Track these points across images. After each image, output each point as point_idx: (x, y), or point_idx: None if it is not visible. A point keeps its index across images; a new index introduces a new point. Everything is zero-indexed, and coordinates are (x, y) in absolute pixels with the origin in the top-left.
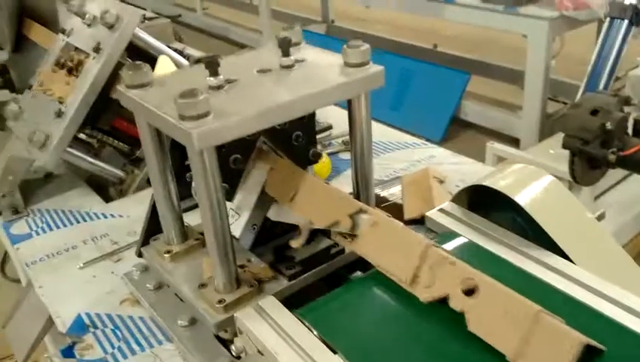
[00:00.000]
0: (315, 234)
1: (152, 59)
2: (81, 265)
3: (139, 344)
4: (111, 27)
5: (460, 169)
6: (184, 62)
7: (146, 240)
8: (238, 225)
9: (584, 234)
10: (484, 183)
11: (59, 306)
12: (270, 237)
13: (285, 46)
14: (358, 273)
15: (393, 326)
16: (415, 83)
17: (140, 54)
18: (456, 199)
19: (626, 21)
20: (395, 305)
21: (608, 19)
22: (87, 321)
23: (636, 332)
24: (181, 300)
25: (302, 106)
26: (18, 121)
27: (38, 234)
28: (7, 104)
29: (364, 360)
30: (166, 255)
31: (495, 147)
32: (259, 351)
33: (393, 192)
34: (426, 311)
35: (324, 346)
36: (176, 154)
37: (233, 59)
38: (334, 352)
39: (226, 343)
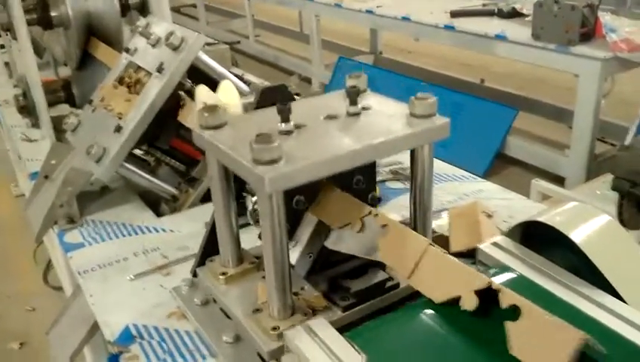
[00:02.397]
0: (370, 267)
1: (212, 82)
2: (132, 276)
3: (183, 357)
4: (175, 49)
5: (508, 205)
6: (244, 87)
7: (202, 260)
8: (294, 252)
9: (638, 274)
10: (539, 219)
11: (108, 316)
12: (325, 266)
13: (353, 95)
14: None
15: (442, 353)
16: (462, 116)
17: (200, 77)
18: (510, 234)
19: None
20: (445, 333)
21: None
22: (134, 332)
23: None
24: (227, 317)
25: (368, 155)
26: (77, 134)
27: (90, 244)
28: (68, 117)
29: None
30: (221, 276)
31: (540, 184)
32: None
33: (440, 224)
34: (476, 339)
35: None
36: (237, 180)
37: (301, 103)
38: None
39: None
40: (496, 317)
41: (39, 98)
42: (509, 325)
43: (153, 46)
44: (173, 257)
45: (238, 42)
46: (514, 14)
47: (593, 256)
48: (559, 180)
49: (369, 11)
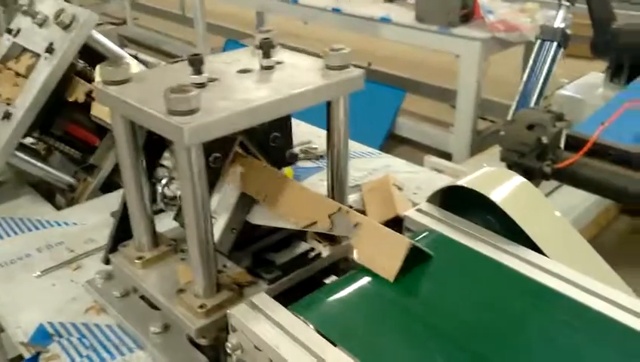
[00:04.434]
0: (292, 239)
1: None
2: (39, 273)
3: (108, 352)
4: (66, 27)
5: (415, 177)
6: (143, 67)
7: (114, 246)
8: (216, 229)
9: (554, 229)
10: (460, 183)
11: (17, 316)
12: (249, 241)
13: (266, 47)
14: (333, 277)
15: (385, 315)
16: (353, 99)
17: (94, 57)
18: (431, 200)
19: (556, 43)
20: (385, 296)
21: (539, 41)
22: (50, 330)
23: (599, 311)
24: (151, 307)
25: (287, 106)
26: None
27: None
28: None
29: (364, 351)
30: (137, 261)
31: (432, 160)
32: (255, 347)
33: (355, 199)
34: (412, 299)
35: (323, 339)
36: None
37: (211, 59)
38: (334, 344)
39: (201, 348)
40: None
41: None
42: (354, 241)
43: (40, 25)
44: (80, 250)
45: (124, 23)
46: None
47: (513, 213)
48: (446, 156)
49: None
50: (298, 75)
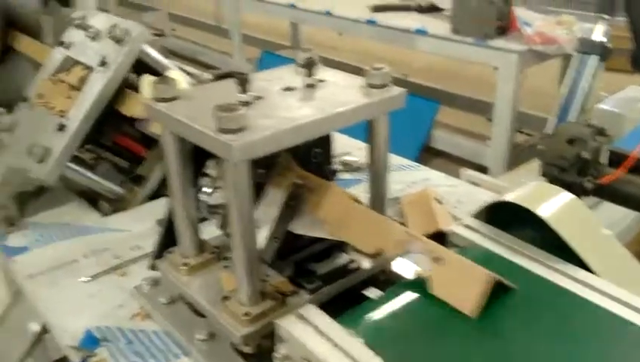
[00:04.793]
0: (333, 250)
1: (156, 75)
2: (86, 278)
3: (155, 357)
4: (119, 41)
5: (454, 191)
6: (189, 79)
7: (160, 253)
8: (259, 238)
9: (603, 247)
10: (508, 199)
11: (64, 320)
12: (291, 250)
13: (310, 65)
14: (372, 289)
15: (435, 331)
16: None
17: (144, 70)
18: (477, 215)
19: (595, 56)
20: (434, 311)
21: (579, 54)
22: (98, 335)
23: None
24: (197, 315)
25: (330, 124)
26: (13, 133)
27: (35, 247)
28: (1, 116)
29: None
30: (182, 268)
31: (469, 173)
32: (304, 359)
33: (394, 212)
34: (463, 315)
35: (372, 352)
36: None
37: (255, 77)
38: (383, 358)
39: (245, 357)
40: None
41: None
42: (432, 271)
43: (93, 39)
44: (126, 257)
45: (162, 34)
46: (432, 9)
47: (561, 230)
48: (481, 169)
49: (291, 5)
50: (340, 93)
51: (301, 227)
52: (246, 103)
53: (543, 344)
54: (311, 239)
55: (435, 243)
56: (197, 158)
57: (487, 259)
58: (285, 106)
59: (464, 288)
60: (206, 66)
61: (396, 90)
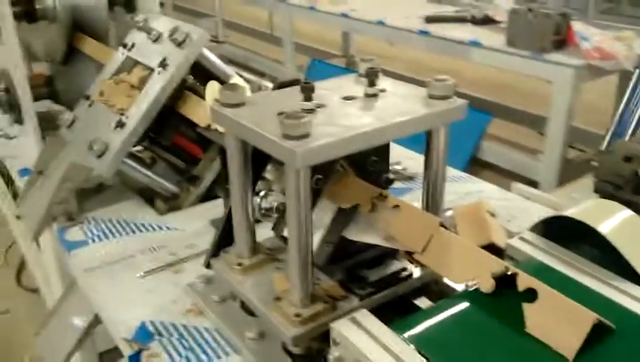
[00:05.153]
0: (385, 257)
1: (214, 80)
2: (141, 274)
3: (206, 354)
4: (179, 44)
5: (507, 205)
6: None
7: (216, 251)
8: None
9: None
10: (567, 214)
11: (119, 313)
12: (343, 256)
13: (372, 76)
14: (423, 298)
15: (489, 343)
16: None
17: (202, 74)
18: (534, 229)
19: None
20: (491, 321)
21: (638, 70)
22: (151, 329)
23: None
24: (248, 314)
25: (390, 133)
26: (73, 129)
27: (94, 241)
28: (63, 113)
29: None
30: (237, 267)
31: (520, 187)
32: (356, 361)
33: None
34: (518, 327)
35: (424, 359)
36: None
37: (317, 85)
38: None
39: (294, 358)
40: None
41: (24, 93)
42: (525, 306)
43: (154, 41)
44: (182, 254)
45: (220, 41)
46: (487, 21)
47: (621, 247)
48: (531, 183)
49: (344, 14)
50: (401, 103)
51: (355, 233)
52: (309, 111)
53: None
54: (364, 245)
55: (533, 278)
56: (256, 163)
57: (543, 272)
58: (346, 115)
59: (563, 328)
60: (257, 73)
61: (458, 102)
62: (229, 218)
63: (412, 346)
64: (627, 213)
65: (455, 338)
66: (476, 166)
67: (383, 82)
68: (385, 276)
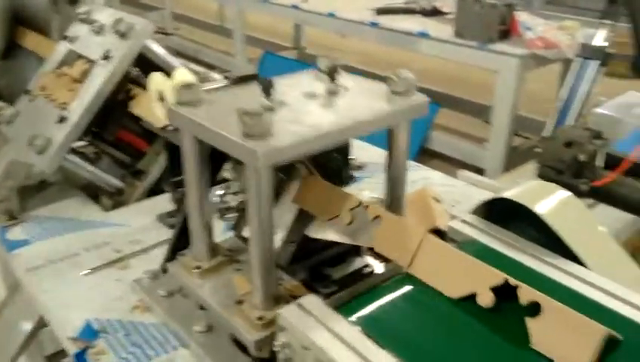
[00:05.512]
0: (348, 254)
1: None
2: (86, 272)
3: (153, 349)
4: (123, 35)
5: (452, 191)
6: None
7: (172, 255)
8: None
9: (597, 243)
10: (505, 196)
11: (65, 312)
12: (306, 255)
13: (332, 72)
14: None
15: (431, 319)
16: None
17: (147, 66)
18: (476, 212)
19: (596, 62)
20: (431, 301)
21: (579, 59)
22: (97, 327)
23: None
24: (200, 308)
25: (354, 132)
26: (13, 125)
27: (36, 240)
28: (2, 109)
29: (410, 353)
30: (195, 271)
31: (466, 174)
32: (303, 347)
33: None
34: (459, 306)
35: (371, 341)
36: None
37: (275, 82)
38: (381, 346)
39: (243, 349)
40: None
41: None
42: (529, 321)
43: (97, 33)
44: (127, 251)
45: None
46: (435, 13)
47: (555, 225)
48: (479, 171)
49: (295, 6)
50: (363, 100)
51: (318, 231)
52: (270, 109)
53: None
54: (327, 243)
55: (535, 291)
56: (213, 163)
57: (483, 253)
58: (309, 112)
59: (572, 342)
60: (208, 65)
61: (420, 98)
62: (184, 220)
63: (359, 328)
64: (563, 193)
65: (400, 318)
66: (426, 156)
67: (344, 78)
68: (348, 273)
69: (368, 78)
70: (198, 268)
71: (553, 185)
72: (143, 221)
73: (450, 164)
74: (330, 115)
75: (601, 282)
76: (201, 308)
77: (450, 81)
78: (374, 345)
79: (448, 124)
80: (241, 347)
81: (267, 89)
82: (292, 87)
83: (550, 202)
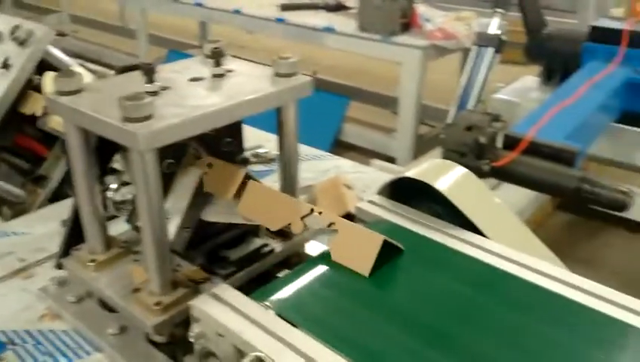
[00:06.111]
0: (246, 236)
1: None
2: None
3: (65, 356)
4: (22, 43)
5: (363, 177)
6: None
7: (65, 251)
8: (170, 229)
9: (494, 213)
10: (407, 175)
11: None
12: (203, 239)
13: (217, 56)
14: (286, 271)
15: (341, 297)
16: (300, 107)
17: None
18: (381, 192)
19: (491, 49)
20: (340, 280)
21: (476, 47)
22: (4, 339)
23: (535, 284)
24: (107, 310)
25: (238, 112)
26: None
27: None
28: None
29: (322, 331)
30: (90, 264)
31: (378, 164)
32: (218, 334)
33: (307, 199)
34: (367, 282)
35: (284, 322)
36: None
37: (162, 68)
38: (294, 326)
39: (160, 347)
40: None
41: None
42: (329, 241)
43: None
44: (31, 259)
45: (66, 35)
46: (339, 8)
47: (456, 200)
48: (390, 160)
49: (198, 4)
50: (248, 82)
51: (213, 214)
52: (153, 93)
53: (433, 295)
54: (223, 226)
55: (332, 214)
56: (102, 155)
57: (390, 230)
58: (193, 95)
59: (359, 251)
60: (111, 67)
61: (303, 78)
62: (76, 215)
63: (272, 311)
64: (460, 170)
65: (311, 298)
66: (340, 148)
67: (230, 62)
68: (246, 254)
69: (253, 63)
70: (93, 261)
71: (450, 162)
72: (46, 228)
73: (363, 154)
74: (215, 97)
75: (498, 248)
76: (111, 310)
77: (358, 75)
78: (288, 325)
79: (359, 116)
80: (156, 344)
81: (149, 74)
82: (179, 73)
83: (449, 178)
